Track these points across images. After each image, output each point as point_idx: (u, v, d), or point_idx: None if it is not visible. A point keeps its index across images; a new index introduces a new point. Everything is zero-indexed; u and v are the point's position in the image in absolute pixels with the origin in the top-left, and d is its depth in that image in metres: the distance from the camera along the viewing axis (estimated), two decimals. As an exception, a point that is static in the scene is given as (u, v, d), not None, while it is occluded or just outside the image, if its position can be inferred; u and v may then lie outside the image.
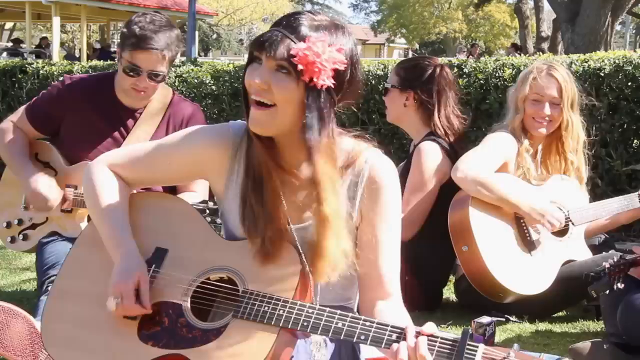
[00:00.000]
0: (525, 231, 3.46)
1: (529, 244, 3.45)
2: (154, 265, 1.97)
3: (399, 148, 5.28)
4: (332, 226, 1.86)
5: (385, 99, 3.82)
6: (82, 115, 3.19)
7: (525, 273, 3.41)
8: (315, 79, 1.78)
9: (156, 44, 3.00)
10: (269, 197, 1.90)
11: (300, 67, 1.77)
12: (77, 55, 22.20)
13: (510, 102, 3.65)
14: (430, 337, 1.75)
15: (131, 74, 3.06)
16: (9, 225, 3.33)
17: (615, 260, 2.87)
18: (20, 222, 3.31)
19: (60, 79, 3.38)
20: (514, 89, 3.64)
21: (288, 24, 1.82)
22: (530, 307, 3.44)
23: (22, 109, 3.33)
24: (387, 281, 1.98)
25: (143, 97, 3.16)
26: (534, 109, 3.53)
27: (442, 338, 1.75)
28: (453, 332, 3.26)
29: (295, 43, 1.78)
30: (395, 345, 1.75)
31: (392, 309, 1.96)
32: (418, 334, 1.75)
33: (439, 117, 3.70)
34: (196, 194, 3.10)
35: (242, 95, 1.89)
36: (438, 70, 3.74)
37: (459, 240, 3.45)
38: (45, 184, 3.12)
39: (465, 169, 3.41)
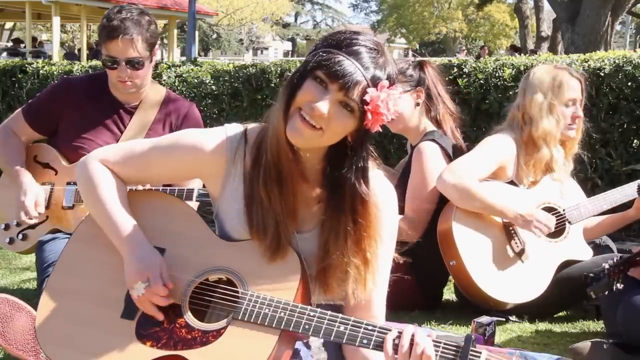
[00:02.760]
0: (515, 238, 3.44)
1: (519, 251, 3.43)
2: None
3: (399, 148, 5.28)
4: (372, 268, 1.92)
5: None
6: (79, 113, 3.22)
7: (516, 282, 3.39)
8: (371, 125, 1.80)
9: (125, 30, 3.04)
10: (288, 195, 1.91)
11: (369, 115, 1.78)
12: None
13: (541, 112, 3.48)
14: (434, 342, 1.76)
15: (111, 65, 3.10)
16: (7, 227, 3.33)
17: (615, 261, 2.87)
18: (19, 223, 3.30)
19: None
20: (542, 98, 3.49)
21: (357, 57, 1.78)
22: (530, 308, 3.43)
23: (18, 111, 3.35)
24: (374, 305, 1.99)
25: (132, 88, 3.17)
26: (569, 112, 3.51)
27: (445, 343, 1.75)
28: (453, 332, 3.27)
29: (369, 86, 1.77)
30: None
31: None
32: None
33: (450, 106, 3.75)
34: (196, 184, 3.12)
35: (285, 100, 1.83)
36: (427, 65, 3.77)
37: (446, 254, 3.44)
38: (32, 200, 3.12)
39: (446, 176, 3.38)
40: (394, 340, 1.78)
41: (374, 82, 1.78)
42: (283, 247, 1.89)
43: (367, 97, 1.76)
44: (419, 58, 3.93)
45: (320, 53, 1.80)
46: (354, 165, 1.87)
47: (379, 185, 1.96)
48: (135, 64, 3.09)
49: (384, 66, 1.81)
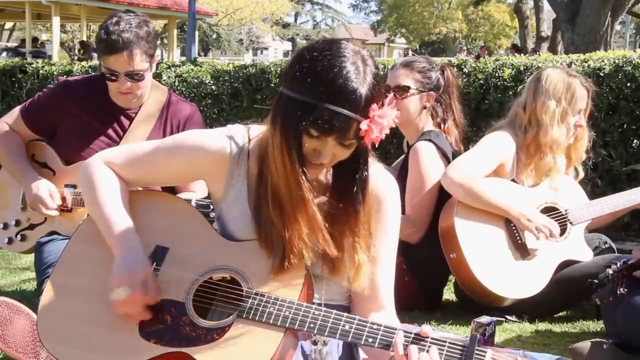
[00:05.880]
0: (516, 235, 3.44)
1: (520, 248, 3.43)
2: (154, 263, 1.97)
3: (399, 148, 5.28)
4: (362, 270, 1.92)
5: (397, 101, 3.62)
6: (78, 117, 3.18)
7: (516, 277, 3.40)
8: (371, 145, 1.82)
9: (123, 45, 2.97)
10: (295, 220, 1.87)
11: (367, 141, 1.80)
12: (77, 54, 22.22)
13: (552, 120, 3.47)
14: (439, 341, 1.76)
15: (111, 78, 3.05)
16: (5, 226, 3.32)
17: (618, 266, 2.87)
18: (17, 223, 3.30)
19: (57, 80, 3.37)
20: (555, 106, 3.47)
21: (344, 101, 1.74)
22: (530, 308, 3.44)
23: (16, 110, 3.31)
24: (382, 294, 2.01)
25: (132, 98, 3.14)
26: (574, 120, 3.53)
27: (450, 342, 1.75)
28: (453, 332, 3.27)
29: (362, 120, 1.77)
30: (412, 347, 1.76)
31: (386, 320, 1.95)
32: (417, 335, 1.77)
33: (458, 118, 3.76)
34: (195, 193, 3.09)
35: (296, 155, 1.79)
36: (448, 71, 3.77)
37: (447, 247, 3.45)
38: (46, 191, 3.11)
39: (452, 174, 3.40)
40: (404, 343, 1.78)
41: (365, 110, 1.77)
42: (291, 262, 1.88)
43: (361, 133, 1.78)
44: (440, 58, 3.96)
45: (305, 109, 1.76)
46: (356, 176, 1.89)
47: (380, 180, 1.98)
48: (134, 77, 3.04)
49: (368, 75, 1.78)
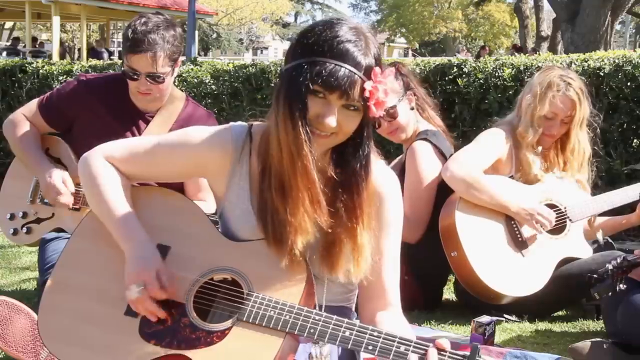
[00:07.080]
0: (517, 232, 3.45)
1: (520, 245, 3.45)
2: None
3: (399, 147, 5.27)
4: (363, 250, 1.90)
5: (393, 123, 3.67)
6: (96, 115, 3.18)
7: (516, 275, 3.41)
8: (376, 113, 1.81)
9: (148, 45, 2.98)
10: (298, 204, 1.86)
11: (372, 107, 1.79)
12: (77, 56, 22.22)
13: (524, 114, 3.54)
14: (439, 352, 1.75)
15: (133, 77, 3.06)
16: (12, 217, 3.31)
17: (618, 262, 2.87)
18: (24, 215, 3.29)
19: (75, 76, 3.36)
20: (530, 100, 3.52)
21: (346, 57, 1.76)
22: (530, 307, 3.44)
23: (34, 102, 3.32)
24: (388, 292, 2.00)
25: (151, 100, 3.14)
26: (545, 125, 3.52)
27: (450, 352, 1.75)
28: (453, 332, 3.27)
29: (365, 81, 1.78)
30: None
31: (393, 319, 1.96)
32: (418, 344, 1.77)
33: (428, 101, 3.82)
34: (206, 203, 3.08)
35: (299, 116, 1.77)
36: (398, 67, 3.77)
37: (447, 245, 3.46)
38: (59, 178, 3.11)
39: (454, 168, 3.42)
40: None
41: (367, 73, 1.79)
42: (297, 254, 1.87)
43: (366, 93, 1.78)
44: (413, 59, 3.97)
45: (308, 65, 1.77)
46: (358, 152, 1.88)
47: (381, 176, 1.97)
48: (156, 78, 3.05)
49: (369, 49, 1.81)
